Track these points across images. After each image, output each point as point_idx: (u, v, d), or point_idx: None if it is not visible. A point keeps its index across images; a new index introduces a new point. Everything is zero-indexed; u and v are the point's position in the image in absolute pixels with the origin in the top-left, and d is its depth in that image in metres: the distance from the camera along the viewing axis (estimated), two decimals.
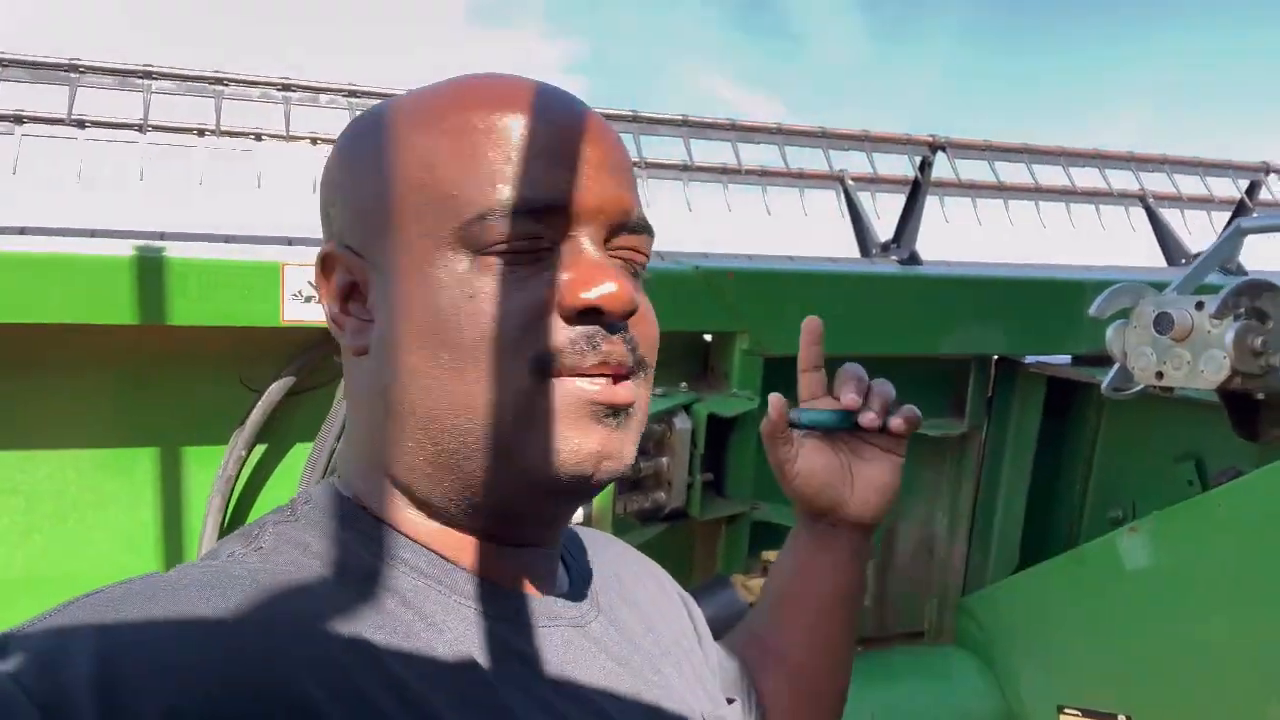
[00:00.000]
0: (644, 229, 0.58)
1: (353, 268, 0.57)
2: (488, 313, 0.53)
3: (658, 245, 0.74)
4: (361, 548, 0.55)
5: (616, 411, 0.55)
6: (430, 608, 0.54)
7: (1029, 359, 1.63)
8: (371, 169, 0.57)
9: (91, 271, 1.08)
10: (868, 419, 0.81)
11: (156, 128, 1.81)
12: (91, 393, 1.17)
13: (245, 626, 0.46)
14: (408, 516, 0.57)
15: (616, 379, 0.56)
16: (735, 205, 3.14)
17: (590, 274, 0.54)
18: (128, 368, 1.17)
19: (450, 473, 0.55)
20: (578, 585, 0.65)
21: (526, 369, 0.53)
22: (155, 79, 1.92)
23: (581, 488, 0.56)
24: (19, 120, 2.37)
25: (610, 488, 1.23)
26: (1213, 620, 1.15)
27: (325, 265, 0.58)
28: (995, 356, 1.65)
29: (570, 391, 0.54)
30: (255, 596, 0.48)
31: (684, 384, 1.39)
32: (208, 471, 1.23)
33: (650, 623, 0.70)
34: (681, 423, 1.31)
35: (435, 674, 0.51)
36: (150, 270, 1.09)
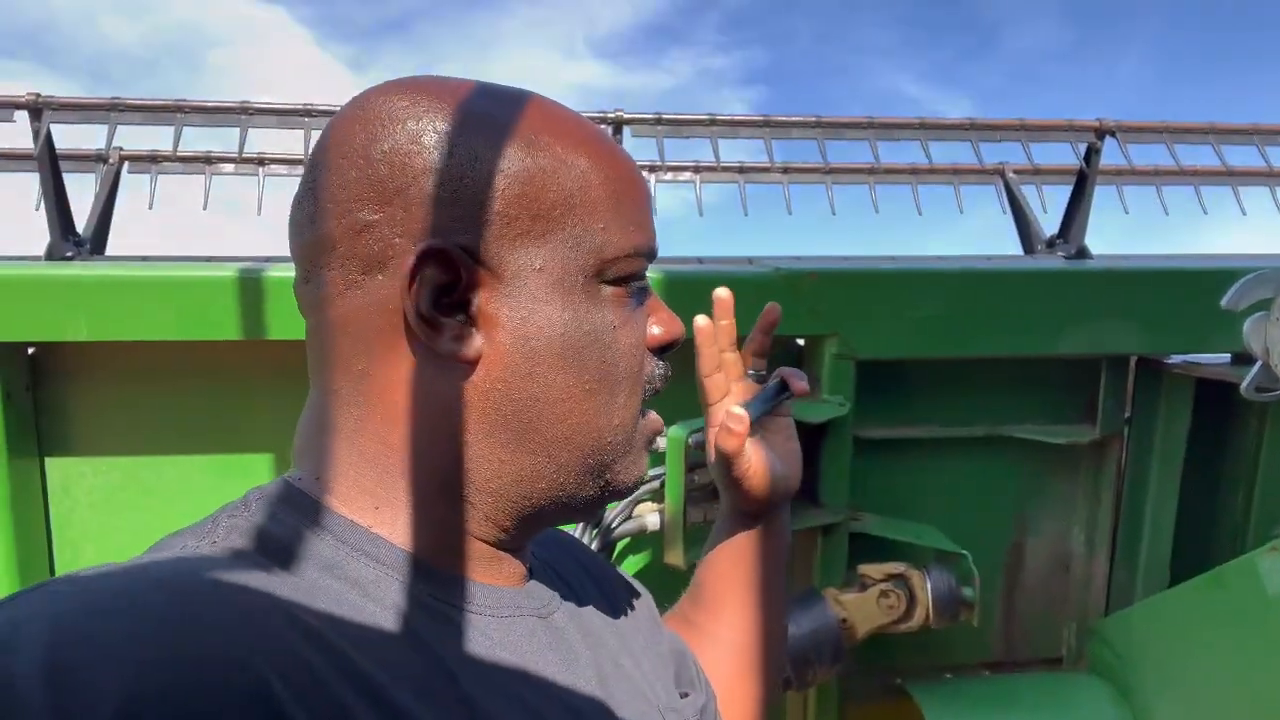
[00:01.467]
0: None
1: (460, 267, 0.54)
2: (626, 344, 0.60)
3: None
4: (318, 539, 0.56)
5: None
6: (390, 598, 0.55)
7: (1175, 359, 1.47)
8: (513, 172, 0.55)
9: (203, 291, 1.19)
10: (800, 386, 0.84)
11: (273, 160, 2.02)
12: (209, 404, 1.29)
13: (200, 621, 0.46)
14: (370, 514, 0.58)
15: None
16: (882, 206, 3.03)
17: (670, 314, 0.64)
18: (238, 380, 1.27)
19: (539, 483, 0.59)
20: (540, 577, 0.66)
21: (640, 398, 0.62)
22: (252, 114, 2.12)
23: (622, 499, 0.66)
24: (209, 160, 2.66)
25: (680, 495, 1.21)
26: None
27: (421, 260, 0.54)
28: (1134, 356, 1.50)
29: (653, 422, 0.64)
30: (210, 590, 0.48)
31: None
32: None
33: (610, 616, 0.70)
34: None
35: (395, 663, 0.52)
36: (251, 290, 1.20)
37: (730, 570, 0.88)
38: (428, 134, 0.55)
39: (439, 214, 0.55)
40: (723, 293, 0.90)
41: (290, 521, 0.57)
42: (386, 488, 0.57)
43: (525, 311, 0.56)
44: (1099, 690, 1.37)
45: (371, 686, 0.49)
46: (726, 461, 0.82)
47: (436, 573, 0.58)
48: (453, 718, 0.51)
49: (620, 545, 1.31)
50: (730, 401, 0.85)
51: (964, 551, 1.33)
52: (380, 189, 0.55)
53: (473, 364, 0.55)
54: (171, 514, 1.30)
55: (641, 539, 1.32)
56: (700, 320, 0.87)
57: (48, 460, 1.25)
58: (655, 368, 0.62)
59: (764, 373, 0.86)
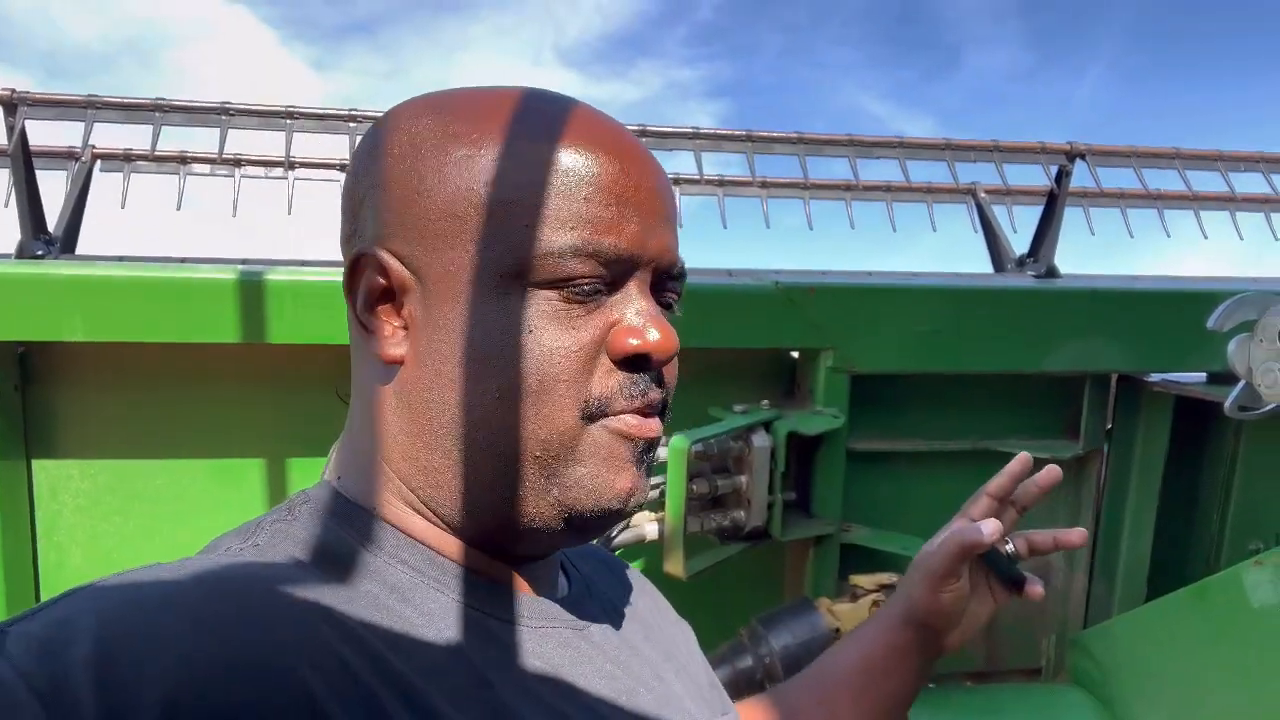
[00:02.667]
0: (681, 277, 0.60)
1: (391, 272, 0.56)
2: (545, 350, 0.54)
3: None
4: (359, 545, 0.57)
5: (650, 447, 0.58)
6: (428, 604, 0.55)
7: (1155, 377, 1.51)
8: (427, 177, 0.56)
9: (200, 293, 1.18)
10: (1036, 591, 0.80)
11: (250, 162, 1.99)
12: (203, 407, 1.27)
13: (243, 619, 0.47)
14: (410, 520, 0.58)
15: (647, 415, 0.58)
16: (858, 222, 3.07)
17: (643, 321, 0.56)
18: (234, 384, 1.26)
19: (478, 498, 0.56)
20: (578, 590, 0.66)
21: (576, 410, 0.55)
22: (296, 119, 2.09)
23: (612, 522, 0.58)
24: (183, 160, 2.61)
25: (680, 504, 1.22)
26: None
27: (357, 266, 0.58)
28: (1115, 374, 1.53)
29: (613, 432, 0.56)
30: (253, 590, 0.49)
31: (765, 401, 1.37)
32: (310, 479, 1.31)
33: (649, 631, 0.70)
34: (760, 440, 1.29)
35: (433, 669, 0.52)
36: (250, 293, 1.18)
37: (856, 669, 0.85)
38: (379, 147, 0.59)
39: (382, 222, 0.57)
40: (1026, 458, 0.85)
41: (333, 527, 0.57)
42: (396, 494, 0.58)
43: (439, 314, 0.56)
44: (1081, 701, 1.40)
45: (408, 690, 0.49)
46: (948, 559, 0.80)
47: (474, 581, 0.58)
48: (480, 715, 0.51)
49: (618, 554, 1.31)
50: (983, 524, 0.82)
51: None
52: (351, 201, 0.59)
53: (400, 364, 0.57)
54: (160, 518, 1.28)
55: (640, 548, 1.32)
56: (1024, 454, 0.85)
57: (35, 462, 1.22)
58: (619, 381, 0.56)
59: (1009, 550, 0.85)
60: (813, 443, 1.39)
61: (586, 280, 0.55)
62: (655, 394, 0.57)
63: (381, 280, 0.57)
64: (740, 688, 1.22)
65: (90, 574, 1.26)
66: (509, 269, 0.54)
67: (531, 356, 0.54)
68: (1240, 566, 1.14)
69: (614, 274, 0.56)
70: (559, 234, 0.54)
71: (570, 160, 0.55)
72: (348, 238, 0.59)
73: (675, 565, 1.24)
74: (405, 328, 0.57)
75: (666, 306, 0.60)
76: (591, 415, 0.55)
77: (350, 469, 0.61)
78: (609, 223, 0.55)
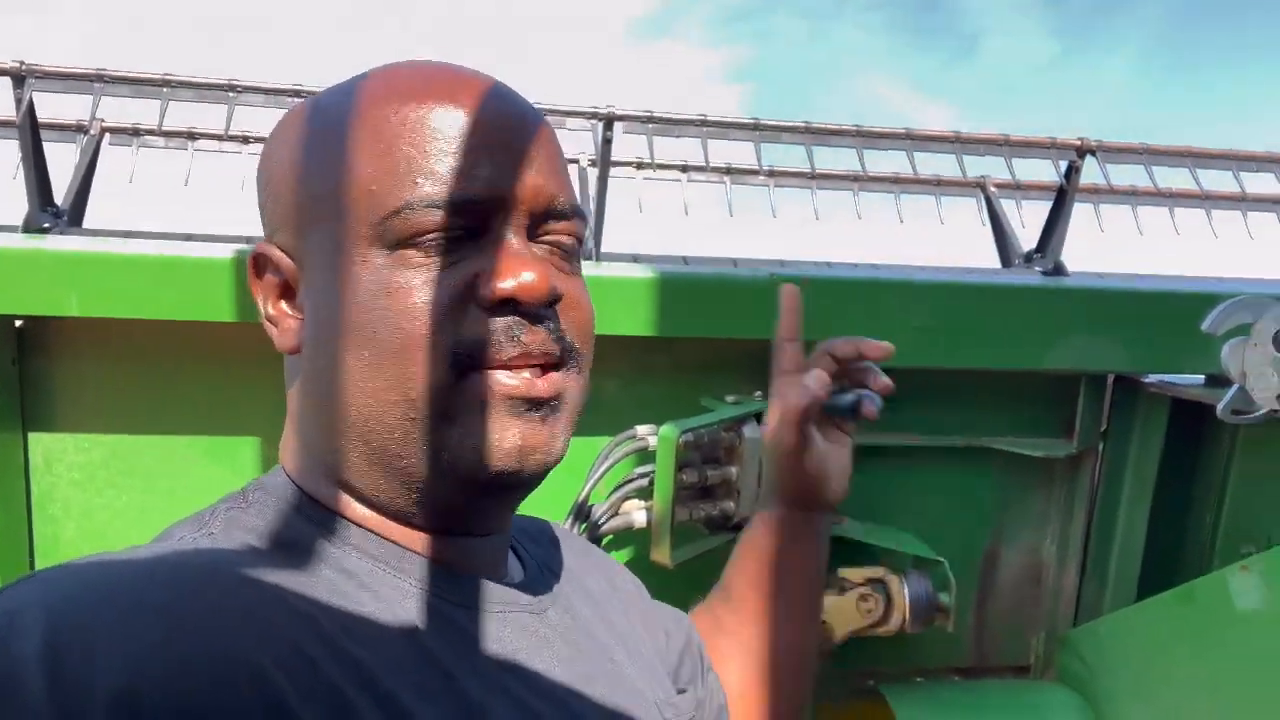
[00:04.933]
0: (571, 214, 0.58)
1: (283, 266, 0.59)
2: (405, 308, 0.53)
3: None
4: (314, 533, 0.57)
5: (539, 405, 0.56)
6: (385, 591, 0.56)
7: (1151, 378, 1.51)
8: (294, 167, 0.58)
9: (196, 272, 1.18)
10: (871, 410, 0.83)
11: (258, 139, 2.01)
12: (196, 385, 1.27)
13: (198, 608, 0.47)
14: (354, 506, 0.59)
15: (545, 369, 0.56)
16: (865, 213, 3.06)
17: (507, 265, 0.54)
18: (228, 363, 1.26)
19: (384, 469, 0.56)
20: (533, 573, 0.66)
21: (446, 364, 0.54)
22: (240, 92, 2.10)
23: (510, 482, 0.57)
24: (191, 136, 2.62)
25: (669, 493, 1.22)
26: None
27: (257, 264, 0.60)
28: (1112, 374, 1.53)
29: (489, 387, 0.55)
30: (208, 579, 0.49)
31: (759, 393, 1.37)
32: None
33: (604, 612, 0.70)
34: (751, 431, 1.29)
35: (392, 655, 0.53)
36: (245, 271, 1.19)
37: (758, 573, 0.88)
38: (265, 152, 0.61)
39: (270, 219, 0.60)
40: (792, 289, 0.89)
41: (288, 514, 0.58)
42: (331, 482, 0.59)
43: (319, 295, 0.56)
44: (1066, 699, 1.41)
45: (366, 675, 0.50)
46: (792, 428, 0.83)
47: (430, 566, 0.58)
48: (445, 707, 0.52)
49: (605, 541, 1.31)
50: (806, 379, 0.85)
51: (941, 559, 1.36)
52: (260, 206, 0.61)
53: (299, 352, 0.59)
54: (153, 494, 1.29)
55: (627, 536, 1.33)
56: (791, 286, 0.88)
57: (30, 435, 1.24)
58: (486, 327, 0.54)
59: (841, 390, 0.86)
60: None
61: (439, 232, 0.53)
62: (533, 337, 0.55)
63: (275, 276, 0.59)
64: None
65: (84, 548, 1.28)
66: (365, 236, 0.54)
67: (394, 317, 0.53)
68: (1226, 570, 1.14)
69: (474, 220, 0.54)
70: (403, 190, 0.53)
71: (407, 116, 0.54)
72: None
73: (662, 554, 1.24)
74: (300, 316, 0.59)
75: (560, 249, 0.58)
76: (462, 366, 0.54)
77: (294, 458, 0.62)
78: (454, 171, 0.53)
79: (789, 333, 0.89)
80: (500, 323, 0.55)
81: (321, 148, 0.56)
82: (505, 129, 0.56)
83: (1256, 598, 1.11)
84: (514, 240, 0.56)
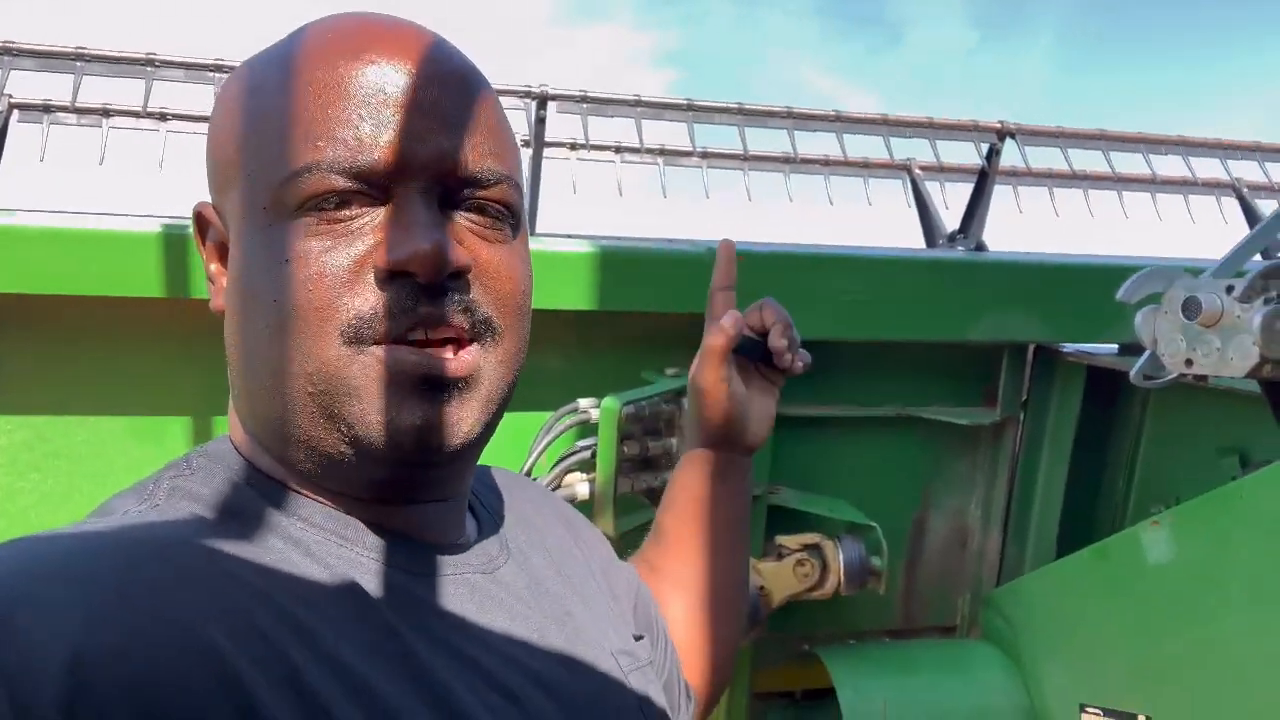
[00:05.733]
0: (494, 180, 0.55)
1: (216, 226, 0.58)
2: (303, 277, 0.51)
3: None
4: (260, 503, 0.56)
5: (443, 385, 0.53)
6: (332, 560, 0.55)
7: (1069, 347, 1.58)
8: (221, 128, 0.57)
9: (123, 246, 1.15)
10: (787, 361, 0.85)
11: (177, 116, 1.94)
12: (125, 363, 1.24)
13: (146, 580, 0.46)
14: (293, 476, 0.58)
15: (459, 345, 0.54)
16: (796, 195, 3.11)
17: (402, 234, 0.51)
18: (158, 340, 1.23)
19: (288, 439, 0.55)
20: (487, 531, 0.66)
21: (338, 337, 0.51)
22: (159, 66, 2.04)
23: (416, 460, 0.54)
24: (106, 114, 2.52)
25: (611, 465, 1.24)
26: (1235, 618, 1.10)
27: (199, 223, 0.59)
28: (1033, 344, 1.59)
29: (386, 362, 0.52)
30: (155, 551, 0.48)
31: None
32: None
33: (559, 564, 0.71)
34: None
35: (339, 620, 0.52)
36: (176, 246, 1.16)
37: (687, 509, 0.90)
38: (212, 114, 0.60)
39: (209, 180, 0.59)
40: (729, 243, 0.92)
41: (231, 482, 0.56)
42: (263, 448, 0.58)
43: (230, 260, 0.56)
44: (990, 656, 1.47)
45: (316, 642, 0.49)
46: (711, 361, 0.85)
47: (378, 532, 0.57)
48: (395, 672, 0.51)
49: None
50: (723, 320, 0.88)
51: (873, 524, 1.40)
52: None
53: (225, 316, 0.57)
54: (80, 476, 1.26)
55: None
56: (727, 240, 0.89)
57: None
58: (378, 299, 0.51)
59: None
60: None
61: (335, 196, 0.51)
62: (431, 310, 0.52)
63: (216, 235, 0.58)
64: None
65: (7, 533, 1.23)
66: (267, 201, 0.52)
67: (289, 286, 0.51)
68: (1139, 527, 1.20)
69: (377, 186, 0.52)
70: (301, 153, 0.51)
71: (313, 75, 0.52)
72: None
73: (606, 524, 1.26)
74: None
75: (482, 217, 0.55)
76: (355, 339, 0.51)
77: (235, 425, 0.60)
78: (357, 134, 0.51)
79: (721, 281, 0.91)
80: (394, 295, 0.51)
81: (241, 109, 0.55)
82: (420, 89, 0.52)
83: (1166, 550, 1.18)
84: (416, 208, 0.52)
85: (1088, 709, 1.29)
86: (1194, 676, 1.15)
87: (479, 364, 0.54)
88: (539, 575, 0.67)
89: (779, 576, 1.37)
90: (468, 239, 0.54)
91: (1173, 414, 1.56)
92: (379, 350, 0.51)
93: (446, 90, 0.54)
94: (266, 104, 0.53)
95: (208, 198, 0.60)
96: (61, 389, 1.23)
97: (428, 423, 0.52)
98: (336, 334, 0.51)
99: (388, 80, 0.52)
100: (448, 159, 0.53)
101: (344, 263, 0.51)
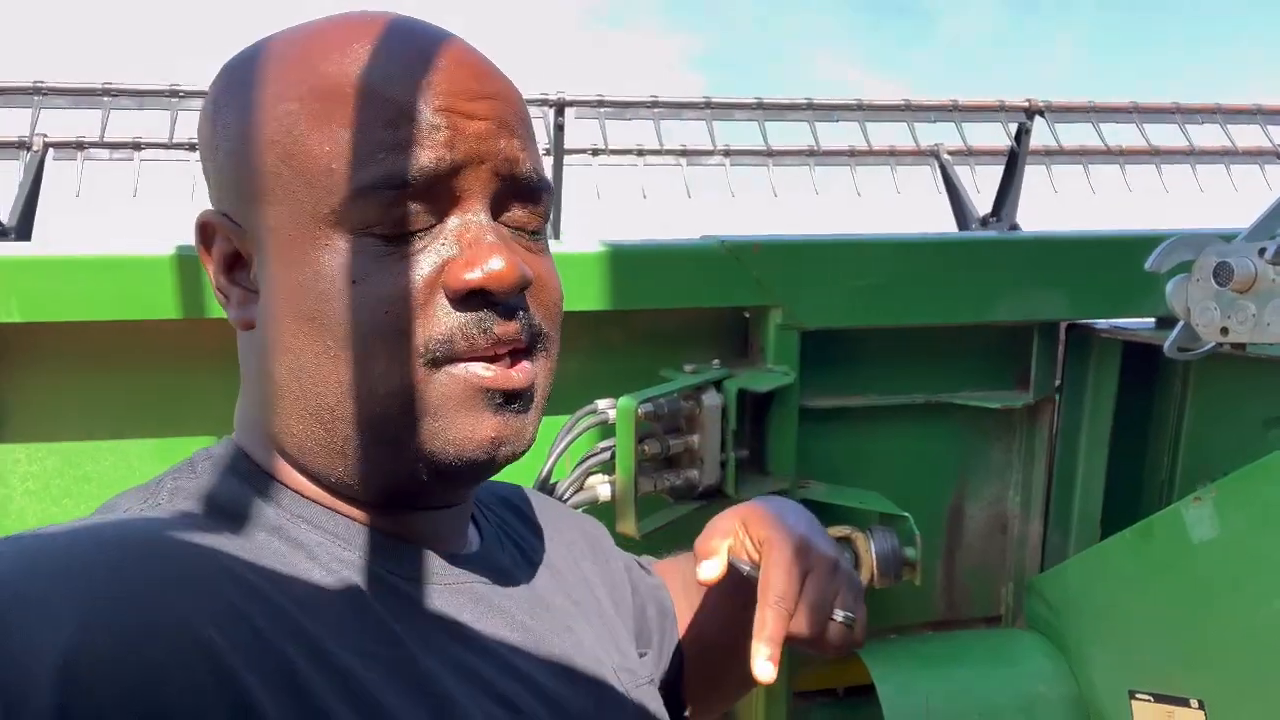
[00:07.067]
0: (539, 188, 0.55)
1: (233, 237, 0.55)
2: (371, 299, 0.50)
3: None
4: (262, 505, 0.56)
5: (514, 397, 0.54)
6: (333, 564, 0.55)
7: (1103, 324, 1.53)
8: (239, 132, 0.54)
9: (140, 270, 1.17)
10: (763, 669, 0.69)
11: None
12: (147, 385, 1.26)
13: (142, 581, 0.46)
14: (303, 482, 0.57)
15: (513, 357, 0.55)
16: (821, 187, 3.08)
17: (475, 252, 0.51)
18: (178, 361, 1.25)
19: (340, 455, 0.55)
20: (490, 543, 0.66)
21: (415, 359, 0.52)
22: (183, 97, 2.08)
23: (482, 473, 0.56)
24: (137, 147, 2.57)
25: (630, 466, 1.23)
26: None
27: (205, 233, 0.57)
28: (1064, 323, 1.55)
29: (463, 380, 0.53)
30: (154, 551, 0.48)
31: (716, 360, 1.37)
32: None
33: (564, 579, 0.70)
34: (710, 399, 1.30)
35: (338, 624, 0.52)
36: (192, 268, 1.17)
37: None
38: (210, 110, 0.56)
39: (219, 186, 0.56)
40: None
41: (236, 484, 0.57)
42: (283, 460, 0.57)
43: (271, 274, 0.53)
44: (1035, 645, 1.43)
45: (314, 644, 0.49)
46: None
47: (380, 539, 0.57)
48: (394, 677, 0.51)
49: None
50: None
51: (905, 514, 1.37)
52: (203, 168, 0.58)
53: (254, 328, 0.55)
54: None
55: (594, 510, 1.33)
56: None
57: None
58: (458, 321, 0.51)
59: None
60: (766, 401, 1.40)
61: (403, 214, 0.50)
62: (505, 329, 0.53)
63: (227, 244, 0.56)
64: None
65: None
66: (323, 218, 0.51)
67: (358, 309, 0.50)
68: (1181, 504, 1.16)
69: (441, 200, 0.51)
70: (367, 168, 0.50)
71: (370, 84, 0.50)
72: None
73: (628, 526, 1.25)
74: (255, 292, 0.55)
75: (524, 229, 0.56)
76: (435, 361, 0.52)
77: (245, 430, 0.60)
78: (421, 142, 0.50)
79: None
80: (471, 316, 0.52)
81: (263, 116, 0.52)
82: (466, 92, 0.52)
83: (1210, 527, 1.13)
84: (481, 223, 0.53)
85: (1137, 695, 1.25)
86: (1246, 657, 1.10)
87: (535, 374, 0.55)
88: (539, 589, 0.66)
89: None
90: (518, 251, 0.54)
91: (1215, 386, 1.51)
92: (455, 369, 0.52)
93: (502, 101, 0.54)
94: (308, 114, 0.51)
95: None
96: (86, 414, 1.25)
97: (500, 435, 0.54)
98: (413, 358, 0.51)
99: (432, 84, 0.51)
100: (502, 158, 0.53)
101: (416, 282, 0.51)
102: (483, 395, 0.53)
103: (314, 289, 0.51)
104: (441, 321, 0.51)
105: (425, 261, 0.51)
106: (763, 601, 0.71)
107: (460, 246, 0.51)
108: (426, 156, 0.50)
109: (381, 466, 0.54)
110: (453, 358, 0.52)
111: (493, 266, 0.51)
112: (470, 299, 0.52)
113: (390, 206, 0.50)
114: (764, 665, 0.69)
